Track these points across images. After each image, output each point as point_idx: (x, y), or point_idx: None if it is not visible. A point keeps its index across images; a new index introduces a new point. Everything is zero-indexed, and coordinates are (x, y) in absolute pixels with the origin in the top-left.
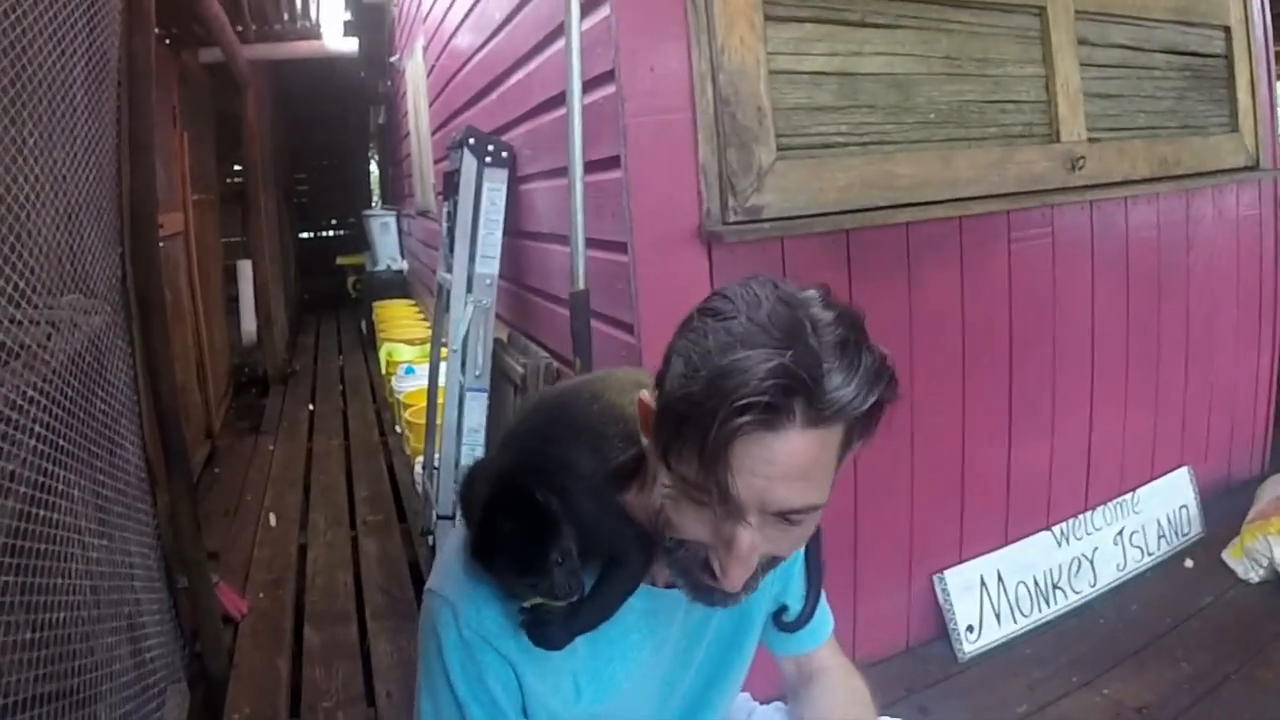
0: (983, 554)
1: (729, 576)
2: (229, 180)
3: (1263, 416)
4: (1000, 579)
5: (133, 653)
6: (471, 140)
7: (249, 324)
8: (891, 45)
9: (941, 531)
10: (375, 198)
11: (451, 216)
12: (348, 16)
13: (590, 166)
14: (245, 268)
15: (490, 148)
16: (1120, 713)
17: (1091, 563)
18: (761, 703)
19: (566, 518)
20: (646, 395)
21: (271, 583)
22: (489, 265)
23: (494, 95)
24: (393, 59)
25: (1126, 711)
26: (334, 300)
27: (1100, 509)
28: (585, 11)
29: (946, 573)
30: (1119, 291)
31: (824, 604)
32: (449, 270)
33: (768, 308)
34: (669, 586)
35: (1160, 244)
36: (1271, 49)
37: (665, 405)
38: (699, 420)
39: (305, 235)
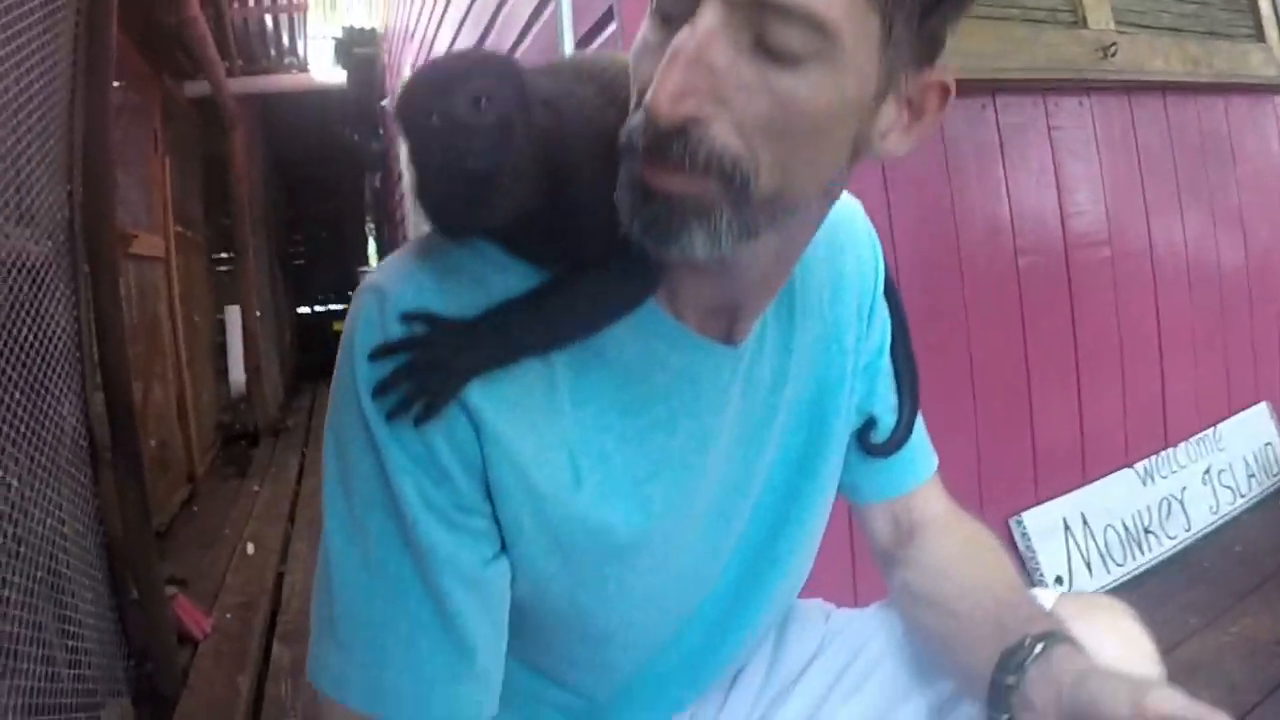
0: (1061, 494)
1: (660, 87)
2: (219, 224)
3: None
4: (1085, 522)
5: (61, 632)
6: None
7: (237, 373)
8: None
9: (1013, 469)
10: (372, 260)
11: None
12: (340, 71)
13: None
14: (233, 314)
15: None
16: (1255, 649)
17: (1182, 504)
18: None
19: (545, 142)
20: None
21: (242, 605)
22: None
23: None
24: (384, 102)
25: (1263, 645)
26: (333, 369)
27: (1183, 445)
28: None
29: (1024, 515)
30: (1170, 198)
31: (924, 435)
32: None
33: None
34: (709, 333)
35: (1205, 150)
36: None
37: None
38: None
39: (303, 310)
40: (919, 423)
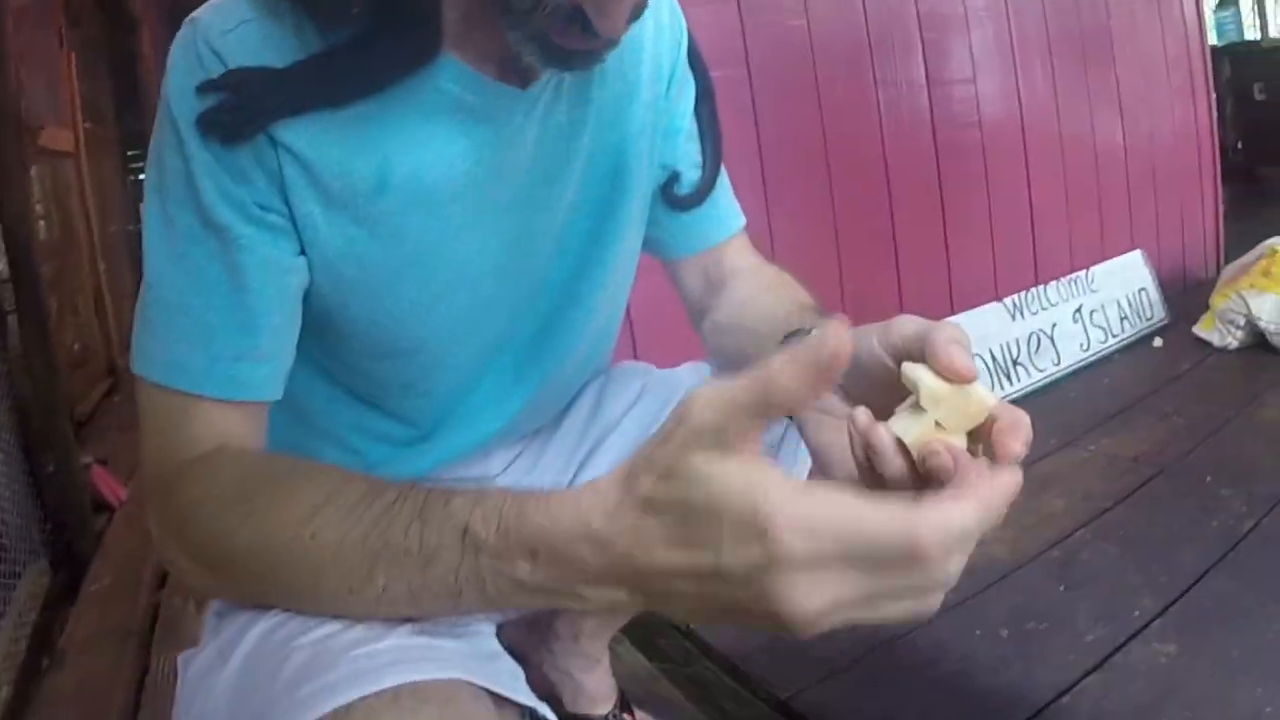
0: None
1: (611, 16)
2: (132, 126)
3: (1210, 203)
4: None
5: None
6: None
7: None
8: None
9: (876, 295)
10: None
11: None
12: None
13: None
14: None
15: None
16: (1113, 462)
17: (1052, 339)
18: None
19: None
20: None
21: None
22: None
23: None
24: None
25: (1120, 460)
26: None
27: (1054, 284)
28: None
29: None
30: (1041, 45)
31: (730, 193)
32: None
33: None
34: (506, 80)
35: (1079, 4)
36: None
37: None
38: None
39: None
40: (725, 183)
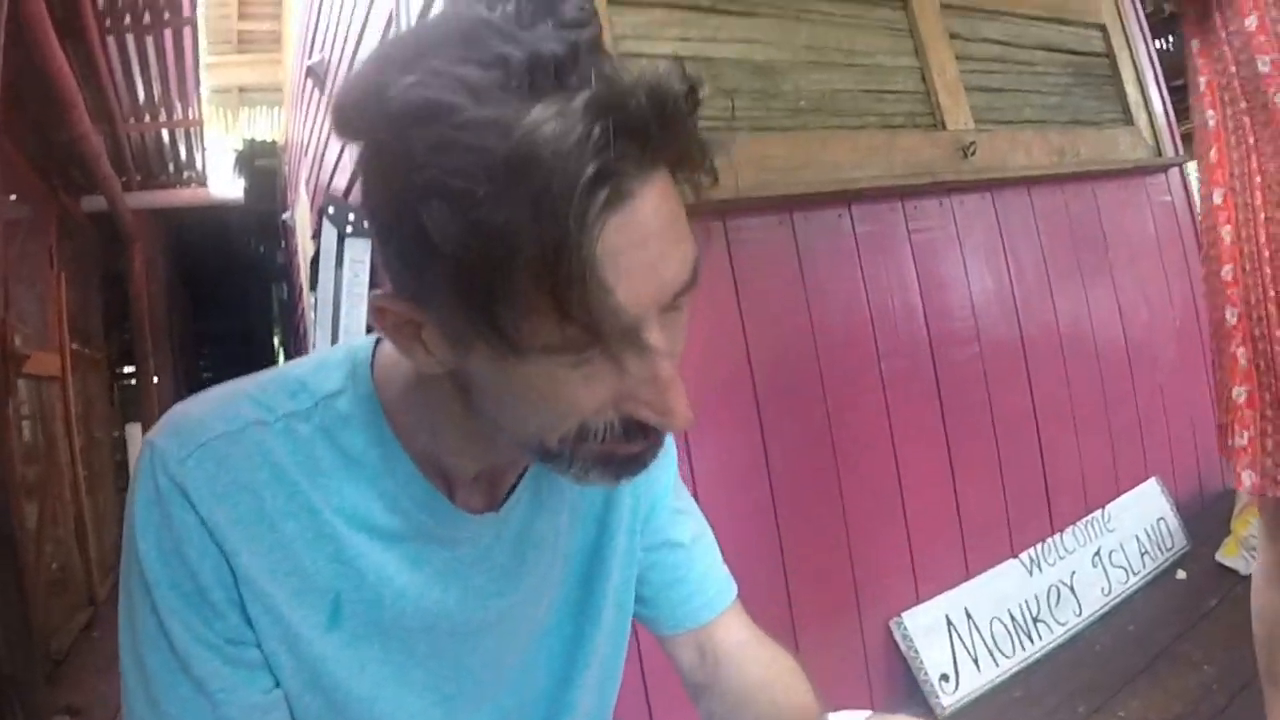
0: (944, 591)
1: (676, 411)
2: (121, 339)
3: None
4: (970, 617)
5: None
6: (331, 209)
7: None
8: (749, 32)
9: (889, 570)
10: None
11: (314, 304)
12: (241, 184)
13: None
14: (134, 431)
15: (351, 216)
16: None
17: (1072, 589)
18: None
19: None
20: (384, 300)
21: None
22: None
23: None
24: (285, 215)
25: None
26: None
27: (1069, 530)
28: None
29: (904, 615)
30: (1040, 285)
31: (719, 564)
32: None
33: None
34: (476, 507)
35: (1075, 238)
36: (1151, 45)
37: (457, 269)
38: (529, 253)
39: None
40: (715, 554)
